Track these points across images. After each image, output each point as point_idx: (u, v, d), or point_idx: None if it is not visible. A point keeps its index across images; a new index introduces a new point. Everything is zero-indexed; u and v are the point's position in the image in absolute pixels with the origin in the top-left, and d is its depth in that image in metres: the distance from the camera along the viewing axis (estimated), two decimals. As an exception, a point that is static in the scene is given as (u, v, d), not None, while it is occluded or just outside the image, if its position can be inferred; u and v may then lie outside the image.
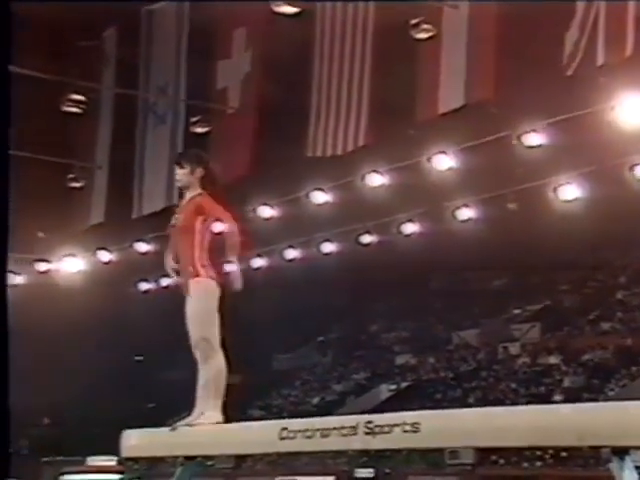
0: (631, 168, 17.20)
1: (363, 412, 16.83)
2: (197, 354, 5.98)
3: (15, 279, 22.83)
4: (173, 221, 6.03)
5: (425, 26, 13.95)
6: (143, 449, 6.25)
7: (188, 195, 6.04)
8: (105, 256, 22.52)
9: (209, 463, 6.55)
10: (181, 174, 6.01)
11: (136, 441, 6.26)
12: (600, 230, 22.23)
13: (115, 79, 17.47)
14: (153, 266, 24.38)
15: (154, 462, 6.26)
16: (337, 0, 15.06)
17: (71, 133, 18.00)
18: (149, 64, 17.13)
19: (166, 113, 17.14)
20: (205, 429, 6.03)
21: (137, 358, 31.71)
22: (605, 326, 23.40)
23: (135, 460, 6.26)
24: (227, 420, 6.14)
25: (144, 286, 26.50)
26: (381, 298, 29.29)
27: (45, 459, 27.79)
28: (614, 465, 4.12)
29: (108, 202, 18.26)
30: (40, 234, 21.89)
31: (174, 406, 27.69)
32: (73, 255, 22.56)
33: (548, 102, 15.37)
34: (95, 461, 26.28)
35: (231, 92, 16.46)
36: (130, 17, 16.73)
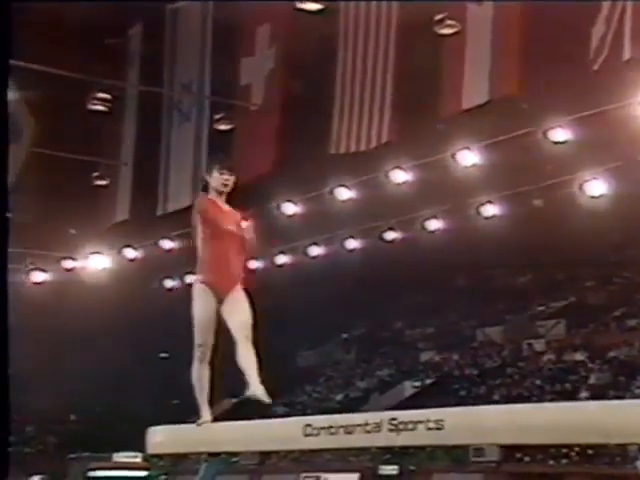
0: (658, 164, 17.06)
1: (387, 409, 16.80)
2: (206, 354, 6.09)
3: (41, 276, 23.01)
4: (227, 227, 6.06)
5: (449, 22, 13.89)
6: (168, 446, 6.29)
7: (223, 201, 6.17)
8: (130, 253, 22.64)
9: (233, 460, 6.58)
10: (232, 180, 6.14)
11: (161, 438, 6.29)
12: (626, 226, 22.06)
13: (140, 77, 17.55)
14: (178, 263, 24.51)
15: (179, 459, 6.30)
16: (360, -2, 15.02)
17: (97, 131, 18.11)
18: (173, 62, 17.20)
19: (190, 110, 17.20)
20: (229, 426, 6.06)
21: (162, 355, 31.84)
22: (631, 323, 23.21)
23: (160, 457, 6.30)
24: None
25: (169, 283, 26.61)
26: (405, 295, 29.22)
27: (71, 455, 27.99)
28: (641, 463, 4.09)
29: (133, 199, 18.36)
30: (72, 231, 22.06)
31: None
32: (99, 252, 22.70)
33: (574, 97, 15.24)
34: (121, 457, 26.43)
35: (255, 89, 16.48)
36: (155, 15, 16.80)
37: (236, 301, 6.03)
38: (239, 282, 6.07)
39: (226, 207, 6.16)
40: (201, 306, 6.02)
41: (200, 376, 6.08)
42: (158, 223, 19.74)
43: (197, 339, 6.06)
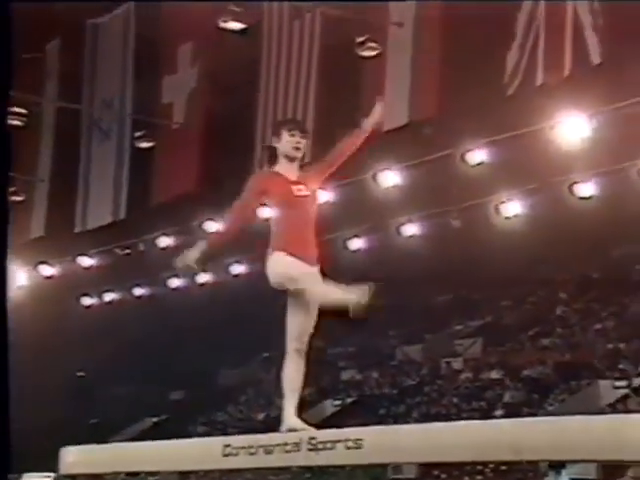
0: (570, 186, 17.58)
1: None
2: (301, 350, 5.52)
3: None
4: (297, 191, 5.36)
5: (371, 44, 14.11)
6: (82, 465, 6.16)
7: (296, 168, 5.46)
8: (47, 270, 22.20)
9: (151, 479, 6.49)
10: (304, 143, 5.45)
11: (75, 457, 6.16)
12: (540, 247, 22.60)
13: (58, 92, 17.29)
14: (96, 281, 24.10)
15: (94, 479, 6.16)
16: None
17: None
18: (94, 78, 17.00)
19: (111, 128, 17.02)
20: (147, 445, 5.98)
21: (79, 373, 31.21)
22: (545, 342, 23.68)
23: (74, 477, 6.17)
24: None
25: (87, 301, 26.16)
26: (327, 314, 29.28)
27: (-19, 477, 27.11)
28: (550, 479, 4.20)
29: (49, 216, 18.05)
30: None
31: (116, 422, 27.36)
32: (13, 269, 22.18)
33: (491, 121, 15.62)
34: (32, 478, 25.73)
35: (177, 107, 16.42)
36: (74, 30, 16.59)
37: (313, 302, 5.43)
38: (316, 264, 5.48)
39: (299, 174, 5.42)
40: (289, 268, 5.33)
41: (294, 374, 5.50)
42: (75, 240, 19.42)
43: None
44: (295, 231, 5.43)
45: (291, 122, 5.70)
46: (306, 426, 5.34)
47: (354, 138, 5.62)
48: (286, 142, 5.41)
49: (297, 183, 5.41)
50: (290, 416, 5.42)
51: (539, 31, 12.20)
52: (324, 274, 5.51)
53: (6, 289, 3.41)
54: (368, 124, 5.61)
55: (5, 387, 3.29)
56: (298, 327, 5.59)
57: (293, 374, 5.55)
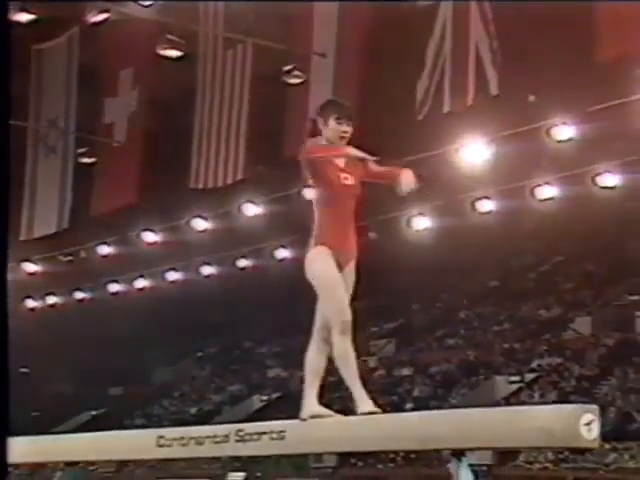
0: (472, 203, 17.96)
1: (238, 421, 16.75)
2: (346, 334, 4.74)
3: None
4: (343, 180, 4.69)
5: (296, 73, 14.23)
6: (24, 455, 6.00)
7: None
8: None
9: (91, 468, 6.36)
10: (350, 132, 4.79)
11: (17, 448, 6.00)
12: (447, 257, 22.98)
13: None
14: (40, 285, 23.57)
15: (35, 468, 6.00)
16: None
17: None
18: (40, 98, 16.68)
19: (56, 144, 16.73)
20: (86, 436, 5.87)
21: (23, 370, 30.45)
22: (450, 342, 24.07)
23: (16, 466, 5.99)
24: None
25: (31, 303, 25.56)
26: (255, 317, 29.22)
27: None
28: (452, 465, 4.26)
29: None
30: None
31: (57, 415, 26.74)
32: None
33: (404, 143, 15.84)
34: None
35: (117, 127, 16.26)
36: (21, 53, 16.24)
37: (347, 286, 4.79)
38: (355, 256, 4.81)
39: (342, 160, 4.75)
40: (326, 266, 4.66)
41: (316, 358, 4.78)
42: (21, 247, 18.98)
43: (331, 307, 4.74)
44: (338, 223, 4.74)
45: (340, 108, 4.79)
46: (330, 412, 4.69)
47: (386, 178, 5.06)
48: (331, 129, 4.75)
49: (344, 171, 4.76)
50: (312, 403, 4.76)
51: (445, 64, 12.45)
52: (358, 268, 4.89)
53: (6, 289, 3.28)
54: (403, 188, 5.06)
55: (5, 384, 3.18)
56: (322, 316, 4.96)
57: (315, 359, 4.96)
